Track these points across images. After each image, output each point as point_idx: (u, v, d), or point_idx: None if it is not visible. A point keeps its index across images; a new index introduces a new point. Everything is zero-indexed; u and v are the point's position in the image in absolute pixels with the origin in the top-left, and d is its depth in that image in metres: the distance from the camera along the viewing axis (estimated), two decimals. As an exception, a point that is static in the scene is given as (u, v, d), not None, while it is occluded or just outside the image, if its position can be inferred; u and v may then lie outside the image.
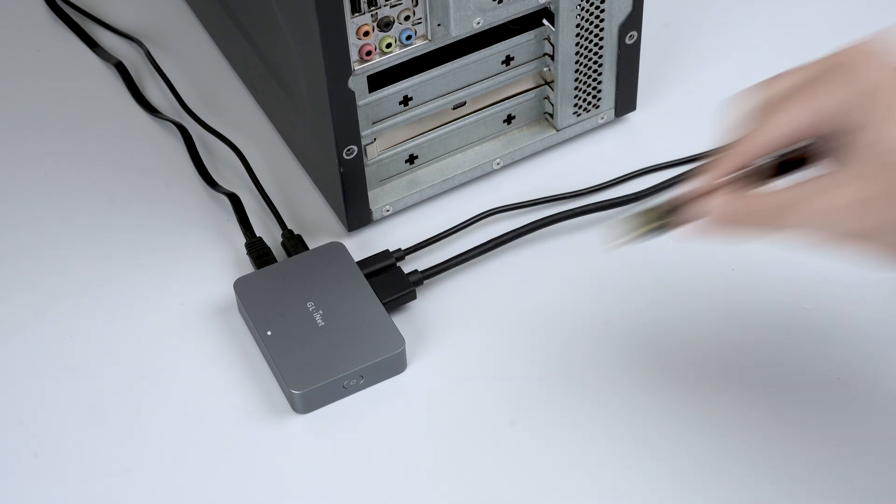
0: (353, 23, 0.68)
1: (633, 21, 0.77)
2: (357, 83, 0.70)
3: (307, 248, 0.75)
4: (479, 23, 0.70)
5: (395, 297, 0.72)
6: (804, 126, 0.58)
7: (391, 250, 0.75)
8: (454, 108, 0.77)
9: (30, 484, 0.66)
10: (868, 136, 0.56)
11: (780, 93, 0.60)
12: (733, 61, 0.87)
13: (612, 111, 0.82)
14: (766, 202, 0.58)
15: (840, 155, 0.57)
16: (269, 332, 0.70)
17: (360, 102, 0.71)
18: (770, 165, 0.60)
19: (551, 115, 0.80)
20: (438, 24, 0.70)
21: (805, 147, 0.60)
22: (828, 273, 0.73)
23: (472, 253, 0.75)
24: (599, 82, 0.79)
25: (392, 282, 0.73)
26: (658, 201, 0.62)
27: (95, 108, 0.87)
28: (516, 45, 0.76)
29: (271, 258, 0.75)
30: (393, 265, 0.74)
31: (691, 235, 0.60)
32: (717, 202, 0.59)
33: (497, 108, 0.78)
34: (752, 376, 0.69)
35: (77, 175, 0.82)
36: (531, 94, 0.79)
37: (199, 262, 0.77)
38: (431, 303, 0.73)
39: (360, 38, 0.69)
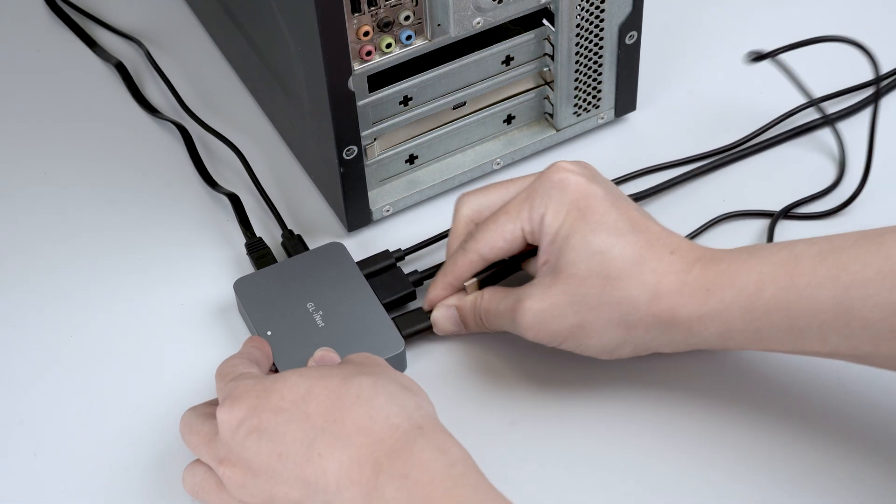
0: (353, 23, 0.68)
1: (633, 21, 0.77)
2: (357, 83, 0.70)
3: (307, 248, 0.75)
4: (478, 23, 0.70)
5: (395, 297, 0.72)
6: (517, 237, 0.66)
7: (391, 250, 0.75)
8: (454, 108, 0.77)
9: (30, 484, 0.67)
10: (572, 243, 0.63)
11: (489, 205, 0.68)
12: (733, 61, 0.87)
13: (612, 111, 0.81)
14: (472, 314, 0.68)
15: (553, 260, 0.64)
16: (269, 332, 0.70)
17: (360, 102, 0.71)
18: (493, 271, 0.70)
19: (551, 115, 0.80)
20: (438, 25, 0.70)
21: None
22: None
23: (472, 253, 0.75)
24: (599, 82, 0.79)
25: (392, 282, 0.73)
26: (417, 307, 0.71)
27: (95, 108, 0.87)
28: (516, 45, 0.76)
29: (271, 258, 0.75)
30: (393, 265, 0.74)
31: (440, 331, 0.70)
32: (435, 315, 0.70)
33: (497, 108, 0.78)
34: (751, 376, 0.69)
35: (77, 175, 0.82)
36: (531, 94, 0.79)
37: (199, 262, 0.77)
38: (431, 303, 0.73)
39: (360, 38, 0.69)
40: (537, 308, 0.64)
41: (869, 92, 0.84)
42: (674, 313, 0.62)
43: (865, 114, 0.82)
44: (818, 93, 0.83)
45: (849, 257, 0.59)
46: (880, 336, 0.57)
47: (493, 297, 0.67)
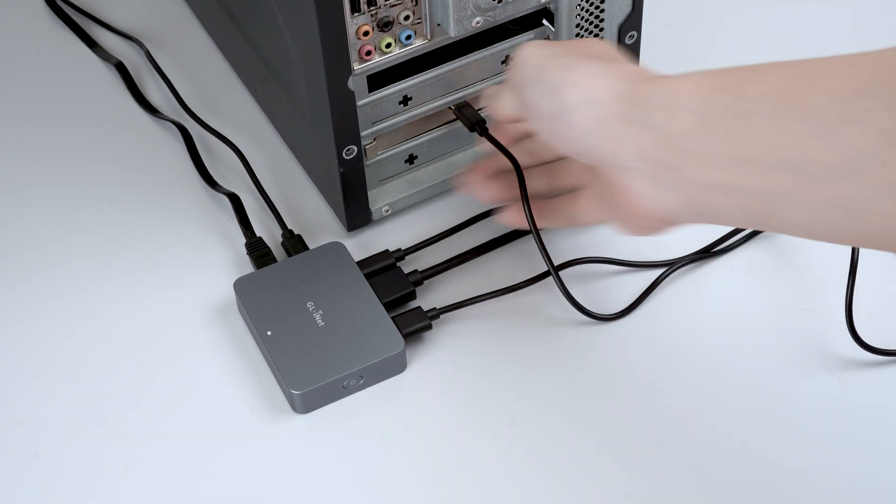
0: (352, 23, 0.68)
1: (633, 21, 0.77)
2: (357, 83, 0.70)
3: (307, 248, 0.75)
4: (478, 23, 0.70)
5: (394, 296, 0.72)
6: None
7: (391, 250, 0.75)
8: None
9: (30, 484, 0.67)
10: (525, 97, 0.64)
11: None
12: (733, 62, 0.87)
13: (612, 111, 0.81)
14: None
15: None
16: (269, 332, 0.70)
17: (359, 102, 0.71)
18: None
19: (551, 115, 0.80)
20: (438, 24, 0.70)
21: None
22: (828, 273, 0.73)
23: (471, 253, 0.75)
24: (599, 82, 0.79)
25: (392, 282, 0.73)
26: None
27: (95, 108, 0.87)
28: (516, 44, 0.76)
29: (271, 258, 0.75)
30: (393, 265, 0.74)
31: None
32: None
33: (497, 108, 0.78)
34: (751, 376, 0.69)
35: (77, 175, 0.82)
36: (531, 94, 0.79)
37: (199, 262, 0.77)
38: (431, 303, 0.73)
39: (359, 38, 0.69)
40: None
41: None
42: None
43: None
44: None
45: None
46: (819, 132, 0.52)
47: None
